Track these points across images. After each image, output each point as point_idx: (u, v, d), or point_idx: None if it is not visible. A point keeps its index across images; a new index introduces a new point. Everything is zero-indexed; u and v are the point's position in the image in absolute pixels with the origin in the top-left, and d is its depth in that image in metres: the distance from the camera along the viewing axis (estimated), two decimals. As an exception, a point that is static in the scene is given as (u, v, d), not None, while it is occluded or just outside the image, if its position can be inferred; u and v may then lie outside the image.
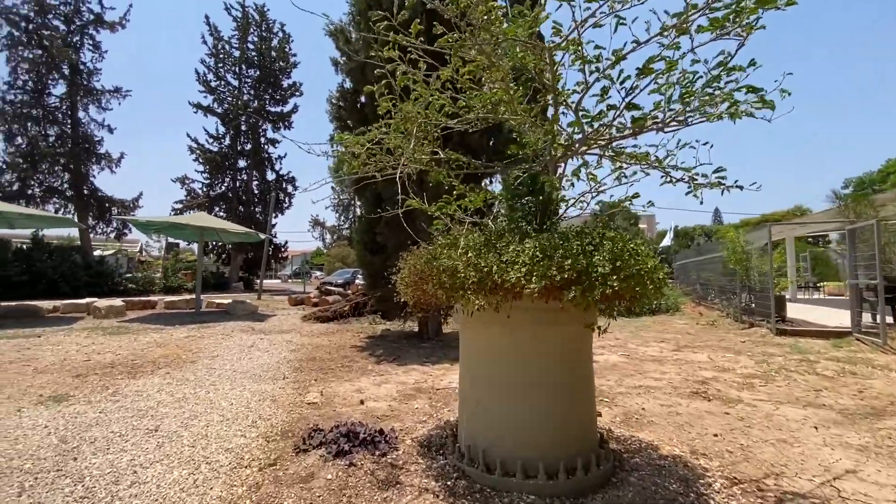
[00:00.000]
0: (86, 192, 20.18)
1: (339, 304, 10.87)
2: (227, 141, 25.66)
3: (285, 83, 27.26)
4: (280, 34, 27.25)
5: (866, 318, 7.60)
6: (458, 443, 2.79)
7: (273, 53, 26.78)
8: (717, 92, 2.21)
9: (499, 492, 2.34)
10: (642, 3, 2.01)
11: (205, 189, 25.05)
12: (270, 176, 26.88)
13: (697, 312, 12.13)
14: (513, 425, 2.47)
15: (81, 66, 20.23)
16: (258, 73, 26.54)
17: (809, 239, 24.94)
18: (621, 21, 2.09)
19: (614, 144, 2.60)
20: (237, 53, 26.17)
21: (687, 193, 2.58)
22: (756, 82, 2.15)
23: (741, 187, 2.45)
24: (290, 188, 27.17)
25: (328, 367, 5.43)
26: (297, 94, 27.47)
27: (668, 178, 2.49)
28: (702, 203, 2.49)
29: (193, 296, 12.63)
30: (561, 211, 2.90)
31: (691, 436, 3.22)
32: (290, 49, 27.37)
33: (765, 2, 1.84)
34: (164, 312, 11.67)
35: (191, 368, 5.20)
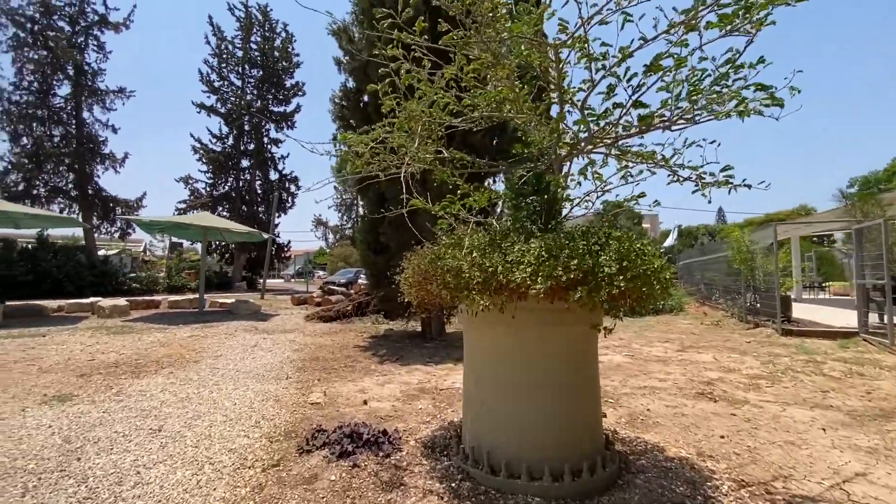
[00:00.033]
0: (90, 192, 20.25)
1: (342, 304, 10.87)
2: (231, 141, 25.71)
3: (288, 83, 27.29)
4: (283, 34, 27.30)
5: (873, 318, 7.54)
6: (462, 444, 2.77)
7: (276, 53, 26.81)
8: (724, 90, 2.19)
9: (503, 494, 2.32)
10: (649, 0, 1.99)
11: (208, 189, 25.11)
12: (273, 176, 26.94)
13: (702, 312, 12.07)
14: (518, 426, 2.45)
15: (86, 67, 20.30)
16: (261, 72, 26.58)
17: (814, 238, 24.79)
18: (628, 18, 2.07)
19: (620, 143, 2.57)
20: (240, 53, 26.21)
21: (694, 192, 2.55)
22: (764, 79, 2.12)
23: (749, 186, 2.42)
24: (293, 188, 27.21)
25: (331, 366, 5.42)
26: (300, 93, 27.50)
27: (676, 177, 2.46)
28: (710, 202, 2.46)
29: (197, 295, 12.65)
30: (566, 210, 2.88)
31: (697, 437, 3.19)
32: (292, 49, 27.40)
33: (775, -3, 1.82)
34: (167, 312, 11.69)
35: (194, 368, 5.20)
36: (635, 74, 2.17)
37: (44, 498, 2.26)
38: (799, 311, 9.98)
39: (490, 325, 2.53)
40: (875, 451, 2.94)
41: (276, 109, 27.09)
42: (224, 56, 25.80)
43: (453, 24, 2.26)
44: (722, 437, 3.19)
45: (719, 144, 2.48)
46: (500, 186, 7.29)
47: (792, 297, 10.10)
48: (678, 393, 4.33)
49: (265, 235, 15.04)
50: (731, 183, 2.40)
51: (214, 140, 25.29)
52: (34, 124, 19.18)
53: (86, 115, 20.51)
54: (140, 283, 17.87)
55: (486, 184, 6.60)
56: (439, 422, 3.45)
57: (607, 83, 2.26)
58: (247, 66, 26.36)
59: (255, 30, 26.62)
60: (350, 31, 7.49)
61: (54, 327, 8.34)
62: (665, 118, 2.29)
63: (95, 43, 20.75)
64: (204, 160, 24.84)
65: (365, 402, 3.96)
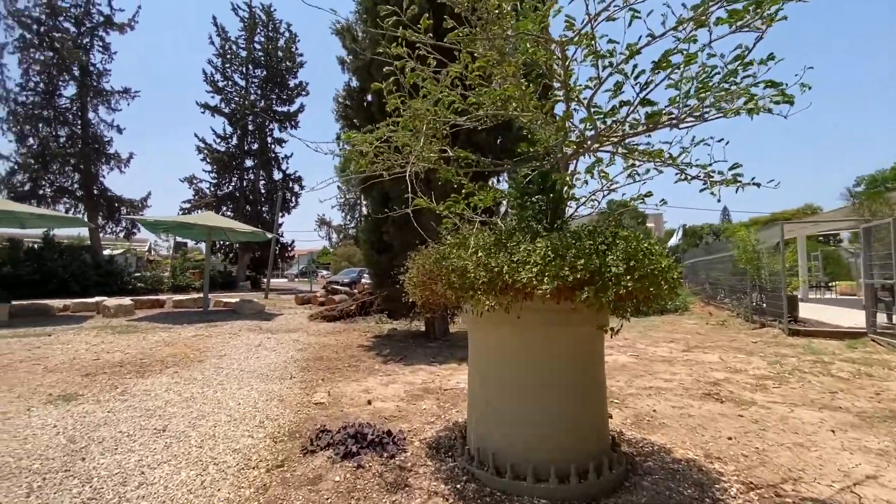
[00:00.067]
0: (96, 192, 20.35)
1: (346, 304, 10.87)
2: (235, 141, 25.77)
3: (292, 83, 27.33)
4: (287, 34, 27.32)
5: (881, 318, 7.46)
6: (467, 445, 2.75)
7: (280, 53, 26.84)
8: (733, 87, 2.15)
9: (509, 495, 2.30)
10: (657, -4, 1.96)
11: (212, 189, 25.18)
12: (277, 175, 26.99)
13: (707, 312, 11.99)
14: (523, 427, 2.43)
15: (91, 68, 20.39)
16: (265, 72, 26.62)
17: (820, 238, 24.62)
18: (636, 15, 2.04)
19: (627, 141, 2.54)
20: (244, 53, 26.25)
21: (702, 190, 2.52)
22: (773, 76, 2.09)
23: (758, 184, 2.38)
24: (296, 187, 27.25)
25: (335, 366, 5.41)
26: (304, 93, 27.54)
27: (683, 176, 2.43)
28: (719, 201, 2.42)
29: (201, 295, 12.69)
30: (571, 210, 2.86)
31: (705, 439, 3.16)
32: (296, 49, 27.43)
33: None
34: (172, 311, 11.73)
35: (198, 368, 5.20)
36: (643, 72, 2.14)
37: (48, 498, 2.26)
38: (805, 310, 9.89)
39: (495, 325, 2.51)
40: (886, 454, 2.90)
41: (279, 109, 27.15)
42: (228, 56, 25.86)
43: (458, 22, 2.24)
44: (729, 438, 3.16)
45: (727, 143, 2.45)
46: (503, 186, 7.27)
47: (798, 296, 10.02)
48: (684, 393, 4.29)
49: (269, 235, 15.07)
50: (740, 181, 2.37)
51: (218, 140, 25.36)
52: (40, 125, 19.29)
53: (91, 115, 20.61)
54: (145, 282, 17.95)
55: (489, 183, 6.57)
56: (444, 422, 3.43)
57: (614, 80, 2.23)
58: (250, 66, 26.41)
59: (258, 30, 26.66)
60: (353, 30, 7.49)
61: (60, 327, 8.38)
62: (673, 116, 2.26)
63: (100, 44, 20.85)
64: (208, 160, 24.91)
65: (369, 403, 3.95)
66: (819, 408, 3.85)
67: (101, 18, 20.68)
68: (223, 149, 25.36)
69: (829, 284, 17.87)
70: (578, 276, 2.04)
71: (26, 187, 18.72)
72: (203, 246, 17.88)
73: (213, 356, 5.88)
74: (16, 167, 18.67)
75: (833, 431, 3.30)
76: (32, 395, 4.03)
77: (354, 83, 7.70)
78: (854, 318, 8.68)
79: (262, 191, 26.42)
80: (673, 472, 2.62)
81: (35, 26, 19.08)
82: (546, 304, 2.22)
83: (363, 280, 19.05)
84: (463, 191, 2.87)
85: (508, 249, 2.29)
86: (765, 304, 9.31)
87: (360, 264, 25.50)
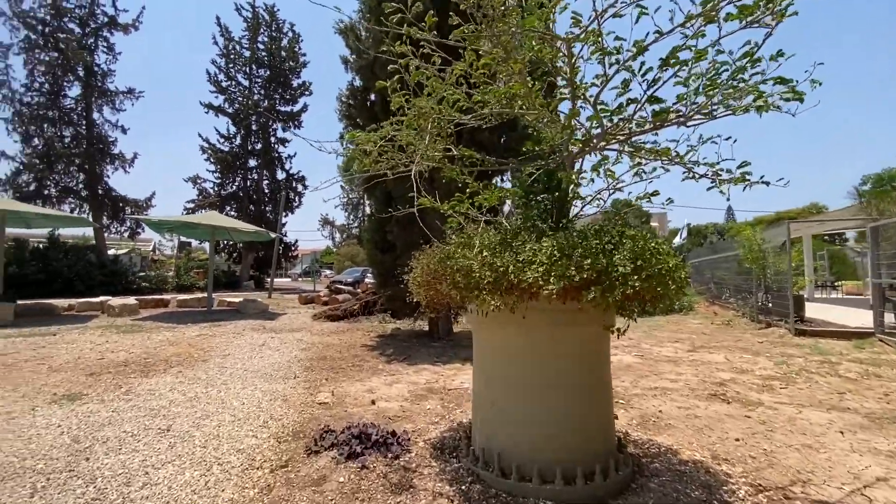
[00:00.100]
0: (100, 191, 20.42)
1: (349, 303, 10.87)
2: (238, 141, 25.83)
3: (295, 83, 27.36)
4: (290, 34, 27.35)
5: (889, 318, 7.39)
6: (472, 445, 2.73)
7: (283, 53, 26.88)
8: (741, 84, 2.13)
9: (515, 497, 2.28)
10: (665, -8, 1.94)
11: (216, 188, 25.24)
12: (281, 175, 27.03)
13: (712, 312, 11.93)
14: (529, 427, 2.40)
15: (96, 68, 20.45)
16: (268, 72, 26.66)
17: (826, 237, 24.45)
18: (643, 11, 2.02)
19: (634, 139, 2.52)
20: (247, 54, 26.31)
21: (709, 189, 2.49)
22: (782, 72, 2.06)
23: (767, 183, 2.35)
24: (300, 187, 27.28)
25: (339, 366, 5.40)
26: (307, 93, 27.56)
27: (691, 174, 2.41)
28: (728, 199, 2.39)
29: (205, 294, 12.71)
30: (577, 209, 2.83)
31: (712, 440, 3.13)
32: (299, 49, 27.46)
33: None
34: (176, 311, 11.76)
35: (202, 367, 5.20)
36: (650, 69, 2.11)
37: (52, 498, 2.25)
38: (811, 310, 9.82)
39: (501, 325, 2.49)
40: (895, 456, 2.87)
41: (283, 109, 27.19)
42: (231, 56, 25.92)
43: (463, 19, 2.22)
44: (737, 439, 3.13)
45: (735, 141, 2.43)
46: (507, 185, 7.24)
47: (804, 296, 9.94)
48: (690, 394, 4.26)
49: (272, 235, 15.08)
50: (748, 180, 2.34)
51: (222, 140, 25.42)
52: (45, 125, 19.36)
53: (96, 115, 20.68)
54: (149, 282, 18.02)
55: (493, 183, 6.55)
56: (448, 422, 3.42)
57: (622, 78, 2.21)
58: (254, 66, 26.46)
59: (262, 30, 26.71)
60: (357, 29, 7.47)
61: (65, 326, 8.41)
62: (681, 113, 2.23)
63: (105, 44, 20.90)
64: (212, 160, 24.97)
65: (373, 402, 3.93)
66: (827, 409, 3.81)
67: (106, 19, 20.74)
68: (227, 149, 25.42)
69: (835, 284, 17.75)
70: (585, 275, 2.02)
71: (31, 187, 18.80)
72: (207, 246, 17.92)
73: (217, 356, 5.88)
74: (21, 167, 18.75)
75: (842, 433, 3.26)
76: (37, 394, 4.04)
77: (358, 82, 7.70)
78: (861, 318, 8.60)
79: (266, 190, 26.47)
80: (680, 473, 2.59)
81: (40, 27, 19.16)
82: (552, 304, 2.19)
83: (366, 280, 19.05)
84: (467, 190, 2.85)
85: (514, 249, 2.27)
86: (770, 304, 9.25)
87: (363, 264, 25.52)
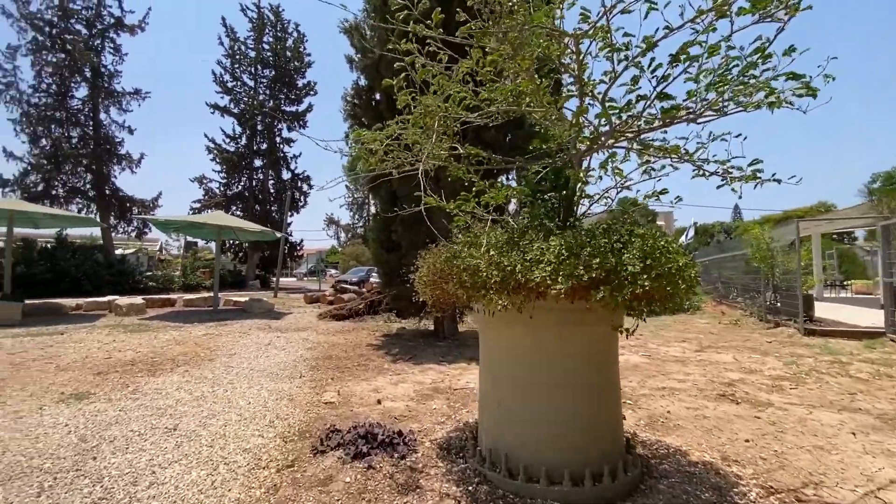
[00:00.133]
0: (107, 192, 20.57)
1: (355, 303, 10.88)
2: (244, 141, 25.90)
3: (300, 83, 27.40)
4: (295, 34, 27.39)
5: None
6: (478, 446, 2.71)
7: (288, 53, 26.92)
8: (752, 80, 2.09)
9: (522, 498, 2.26)
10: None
11: (222, 188, 25.33)
12: (286, 175, 27.08)
13: (719, 311, 11.84)
14: (537, 427, 2.38)
15: (102, 69, 20.58)
16: (273, 73, 26.72)
17: (834, 236, 24.23)
18: (653, 6, 1.98)
19: (642, 137, 2.48)
20: (253, 54, 26.38)
21: (719, 187, 2.45)
22: (794, 67, 2.03)
23: (779, 181, 2.31)
24: (305, 187, 27.33)
25: (345, 365, 5.40)
26: (312, 93, 27.60)
27: (701, 172, 2.37)
28: (740, 197, 2.36)
29: (211, 294, 12.77)
30: (584, 207, 2.80)
31: (721, 441, 3.09)
32: (304, 49, 27.51)
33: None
34: (182, 310, 11.82)
35: (209, 366, 5.21)
36: (660, 65, 2.08)
37: (59, 498, 2.26)
38: (820, 309, 9.72)
39: (508, 324, 2.47)
40: (910, 457, 2.82)
41: (288, 109, 27.24)
42: (237, 57, 26.00)
43: (471, 16, 2.20)
44: (747, 440, 3.09)
45: (745, 138, 2.39)
46: (512, 184, 7.21)
47: (813, 295, 9.84)
48: (698, 394, 4.22)
49: (278, 234, 15.13)
50: (760, 178, 2.30)
51: (228, 140, 25.51)
52: (53, 126, 19.53)
53: (102, 116, 20.82)
54: (156, 281, 18.12)
55: (498, 181, 6.52)
56: (454, 422, 3.40)
57: (631, 74, 2.18)
58: (259, 67, 26.52)
59: (267, 30, 26.76)
60: (362, 28, 7.46)
61: (72, 325, 8.46)
62: (691, 110, 2.20)
63: (111, 45, 21.05)
64: (218, 160, 25.06)
65: (379, 402, 3.92)
66: (838, 409, 3.76)
67: (112, 20, 20.87)
68: (232, 149, 25.51)
69: (845, 283, 17.57)
70: (593, 275, 1.99)
71: (39, 188, 18.96)
72: (213, 245, 18.01)
73: (224, 355, 5.90)
74: (29, 168, 18.91)
75: (854, 434, 3.21)
76: (45, 393, 4.06)
77: (363, 82, 7.69)
78: (871, 318, 8.51)
79: (272, 190, 26.55)
80: (689, 475, 2.56)
81: (47, 28, 19.31)
82: (560, 303, 2.17)
83: (371, 279, 19.06)
84: (474, 188, 2.83)
85: (521, 248, 2.25)
86: (779, 304, 9.16)
87: (368, 263, 25.57)
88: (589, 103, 2.36)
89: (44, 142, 19.37)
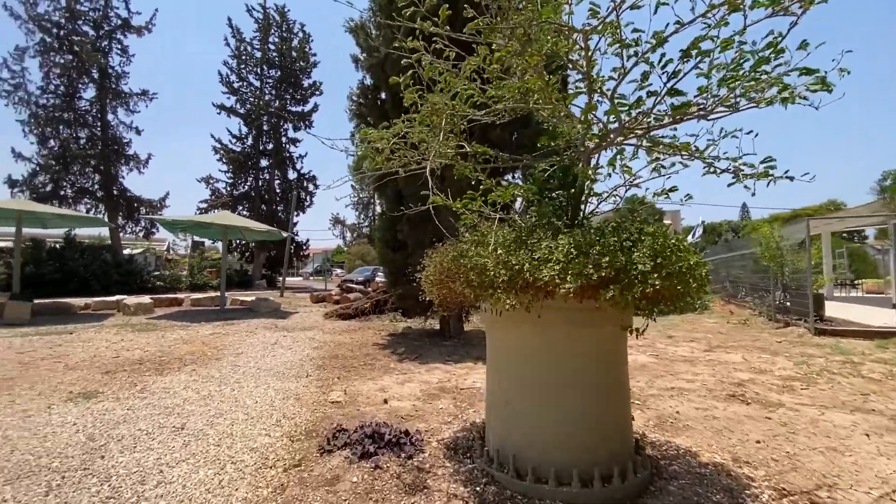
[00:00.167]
0: (115, 192, 20.71)
1: (361, 302, 10.88)
2: (250, 141, 26.03)
3: (306, 83, 27.50)
4: (300, 34, 27.48)
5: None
6: (485, 446, 2.69)
7: (293, 54, 27.02)
8: (763, 76, 2.05)
9: (531, 499, 2.24)
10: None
11: (228, 188, 25.47)
12: (292, 175, 27.19)
13: (727, 311, 11.74)
14: (545, 427, 2.36)
15: (110, 70, 20.73)
16: (279, 73, 26.82)
17: (844, 234, 23.95)
18: (663, 1, 1.96)
19: (652, 134, 2.45)
20: (259, 54, 26.49)
21: (730, 185, 2.41)
22: (808, 62, 1.99)
23: (792, 178, 2.27)
24: (311, 187, 27.42)
25: (351, 364, 5.40)
26: (318, 93, 27.69)
27: (712, 169, 2.33)
28: (754, 195, 2.32)
29: (218, 293, 12.83)
30: (592, 206, 2.77)
31: (732, 442, 3.05)
32: (309, 49, 27.58)
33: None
34: (190, 309, 11.88)
35: (216, 365, 5.23)
36: (670, 60, 2.05)
37: (67, 497, 2.26)
38: (831, 309, 9.60)
39: (516, 324, 2.44)
40: (926, 459, 2.77)
41: (294, 109, 27.33)
42: (243, 57, 26.11)
43: (478, 12, 2.17)
44: (758, 441, 3.05)
45: (757, 135, 2.35)
46: (518, 183, 7.17)
47: (824, 294, 9.73)
48: (708, 395, 4.18)
49: (284, 234, 15.18)
50: (772, 175, 2.26)
51: (234, 140, 25.64)
52: (61, 127, 19.68)
53: (110, 117, 20.97)
54: (164, 281, 18.24)
55: (504, 180, 6.49)
56: (461, 422, 3.38)
57: (640, 71, 2.15)
58: (265, 67, 26.63)
59: (272, 30, 26.86)
60: (367, 27, 7.46)
61: (81, 325, 8.53)
62: (702, 106, 2.17)
63: (119, 47, 21.18)
64: (224, 160, 25.20)
65: (385, 402, 3.91)
66: (851, 410, 3.70)
67: (119, 22, 21.01)
68: (239, 149, 25.63)
69: (856, 282, 17.37)
70: (603, 273, 1.97)
71: (48, 188, 19.12)
72: (220, 245, 18.09)
73: (231, 354, 5.91)
74: (37, 168, 19.07)
75: (867, 435, 3.16)
76: (53, 392, 4.08)
77: (368, 81, 7.69)
78: (883, 317, 8.40)
79: (277, 190, 26.66)
80: (700, 476, 2.53)
81: (55, 30, 19.46)
82: (568, 302, 2.14)
83: (377, 278, 19.09)
84: (480, 187, 2.81)
85: (529, 247, 2.22)
86: (789, 303, 9.07)
87: (374, 263, 25.60)
88: (598, 100, 2.33)
89: (52, 143, 19.54)
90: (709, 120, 2.24)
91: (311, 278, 40.59)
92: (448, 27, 2.26)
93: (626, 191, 2.77)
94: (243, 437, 3.08)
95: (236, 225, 12.48)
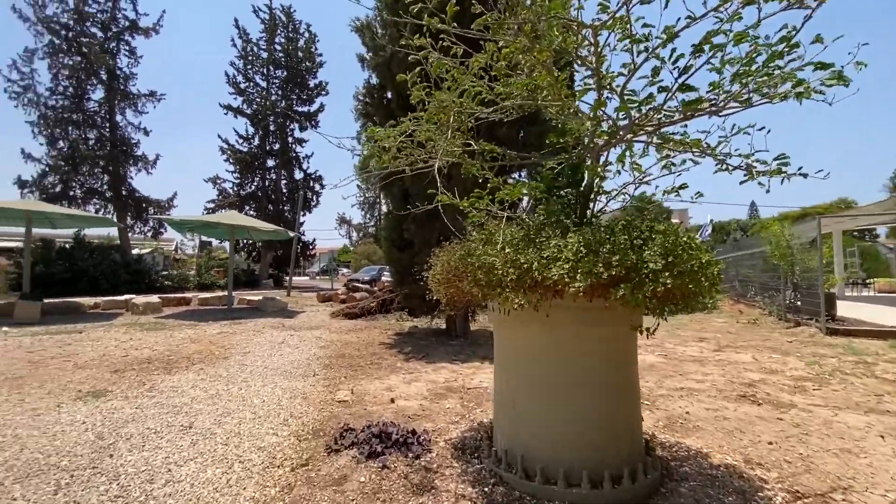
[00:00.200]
0: (124, 192, 20.87)
1: (367, 301, 10.89)
2: (257, 141, 26.12)
3: (312, 83, 27.54)
4: (306, 34, 27.53)
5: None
6: (493, 446, 2.67)
7: (300, 54, 27.07)
8: (776, 71, 2.01)
9: (540, 500, 2.22)
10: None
11: (235, 188, 25.59)
12: (298, 175, 27.25)
13: (737, 310, 11.63)
14: (554, 427, 2.33)
15: (118, 72, 20.88)
16: (285, 73, 26.88)
17: (855, 233, 23.65)
18: (674, -6, 1.92)
19: (662, 130, 2.42)
20: (265, 55, 26.58)
21: (742, 182, 2.38)
22: (823, 56, 1.94)
23: (805, 175, 2.23)
24: (317, 186, 27.48)
25: (358, 364, 5.39)
26: (324, 93, 27.73)
27: (724, 167, 2.30)
28: (768, 192, 2.28)
29: (226, 293, 12.89)
30: (601, 204, 2.74)
31: (743, 443, 3.01)
32: (315, 49, 27.63)
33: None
34: (197, 309, 11.95)
35: (223, 365, 5.24)
36: (682, 55, 2.02)
37: (76, 495, 2.27)
38: (843, 308, 9.48)
39: (524, 323, 2.42)
40: (943, 462, 2.71)
41: (300, 109, 27.38)
42: (249, 58, 26.21)
43: (486, 8, 2.15)
44: (770, 443, 3.00)
45: (769, 131, 2.31)
46: (524, 181, 7.13)
47: (835, 294, 9.60)
48: (718, 395, 4.13)
49: (291, 234, 15.22)
50: (786, 172, 2.22)
51: (241, 140, 25.74)
52: (70, 128, 19.85)
53: (119, 118, 21.12)
54: (172, 280, 18.37)
55: (511, 178, 6.45)
56: (468, 422, 3.36)
57: (651, 66, 2.11)
58: (271, 68, 26.70)
59: (279, 31, 26.93)
60: (373, 26, 7.45)
61: (90, 324, 8.60)
62: (713, 102, 2.13)
63: (127, 48, 21.31)
64: (231, 160, 25.31)
65: (392, 401, 3.90)
66: (865, 411, 3.64)
67: (127, 23, 21.14)
68: (245, 149, 25.73)
69: (867, 281, 17.15)
70: (613, 272, 1.94)
71: (57, 189, 19.29)
72: (227, 245, 18.19)
73: (238, 353, 5.93)
74: (47, 169, 19.24)
75: (882, 437, 3.11)
76: (62, 391, 4.11)
77: (374, 80, 7.67)
78: None
79: (284, 190, 26.74)
80: (711, 478, 2.49)
81: (63, 32, 19.62)
82: (578, 301, 2.12)
83: (383, 278, 19.12)
84: (488, 185, 2.79)
85: (537, 245, 2.20)
86: (799, 302, 8.96)
87: (380, 262, 25.65)
88: (607, 97, 2.30)
89: (61, 143, 19.70)
90: (720, 116, 2.20)
91: (318, 278, 40.72)
92: (455, 24, 2.24)
93: (635, 188, 2.74)
94: (251, 436, 3.08)
95: (243, 225, 12.53)
